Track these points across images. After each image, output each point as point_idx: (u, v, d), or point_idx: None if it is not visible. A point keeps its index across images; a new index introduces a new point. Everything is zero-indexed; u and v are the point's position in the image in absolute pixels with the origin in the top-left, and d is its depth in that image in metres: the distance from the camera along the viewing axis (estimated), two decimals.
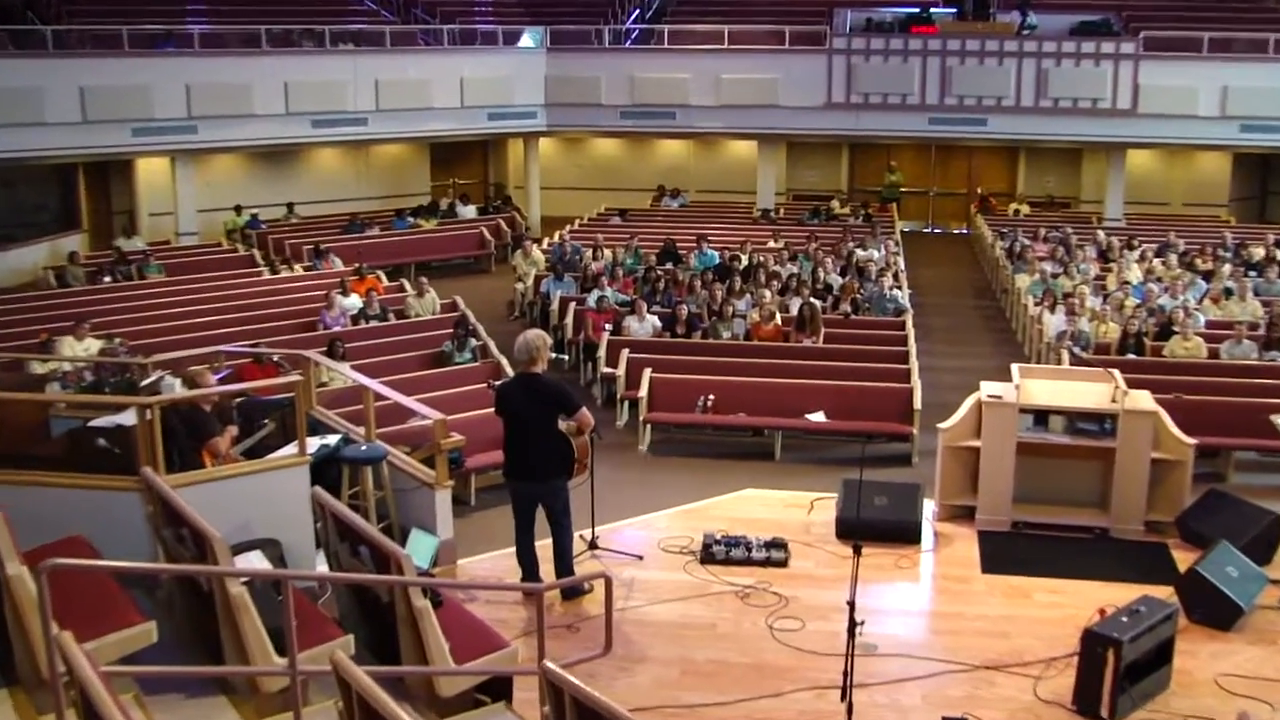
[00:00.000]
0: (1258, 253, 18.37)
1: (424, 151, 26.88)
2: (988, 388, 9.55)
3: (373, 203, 25.38)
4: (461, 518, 10.14)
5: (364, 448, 8.96)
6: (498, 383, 8.38)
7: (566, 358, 14.91)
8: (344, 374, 11.00)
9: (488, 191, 28.10)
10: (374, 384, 9.57)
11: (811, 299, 14.99)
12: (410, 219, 23.44)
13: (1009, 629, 7.92)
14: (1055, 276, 16.93)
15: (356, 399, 10.35)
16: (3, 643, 5.88)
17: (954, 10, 24.19)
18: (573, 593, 8.15)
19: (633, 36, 25.38)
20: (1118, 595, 8.05)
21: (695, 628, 7.89)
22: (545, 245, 20.43)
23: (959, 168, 27.76)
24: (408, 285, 17.46)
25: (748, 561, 8.73)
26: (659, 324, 14.51)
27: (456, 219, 24.15)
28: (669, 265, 17.93)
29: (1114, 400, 9.18)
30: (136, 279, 18.02)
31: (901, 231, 23.52)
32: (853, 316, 15.21)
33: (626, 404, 13.16)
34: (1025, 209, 24.88)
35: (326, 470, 8.82)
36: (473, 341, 13.80)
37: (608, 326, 14.63)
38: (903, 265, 18.73)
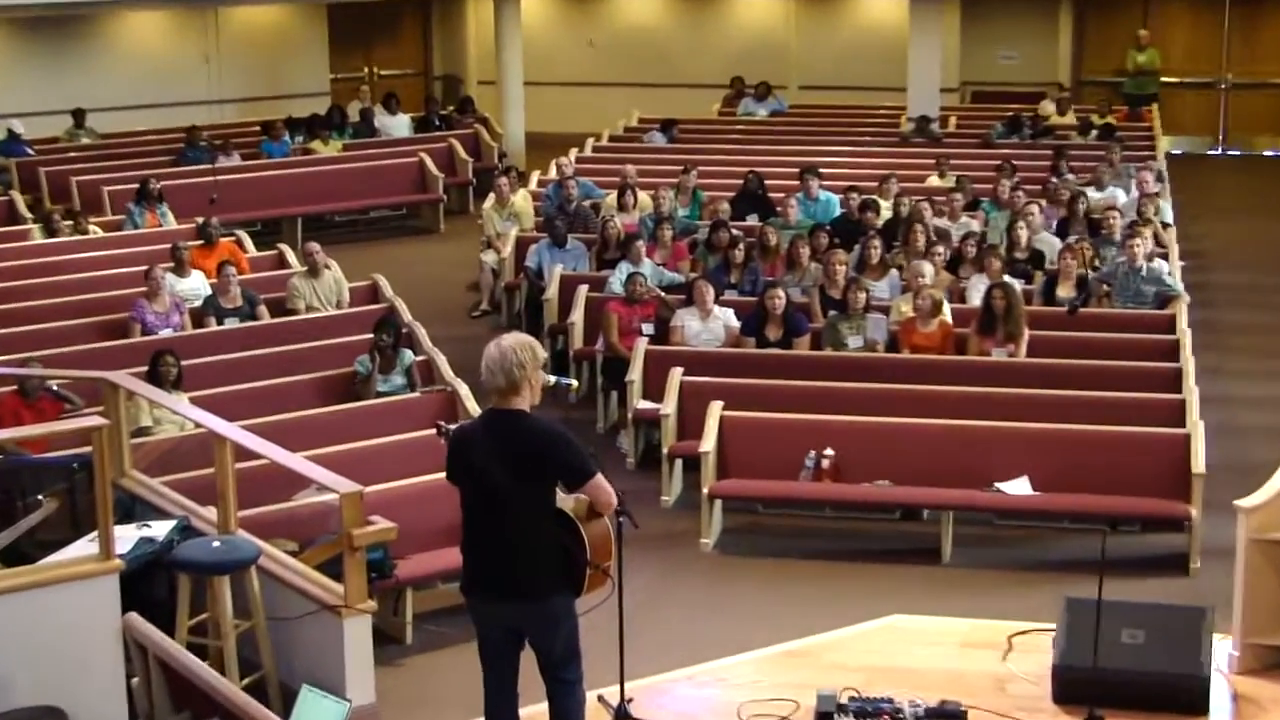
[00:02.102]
0: None
1: (317, 19, 27.11)
2: None
3: (228, 110, 25.63)
4: (391, 666, 10.08)
5: (217, 544, 9.02)
6: (452, 428, 8.42)
7: (574, 384, 14.82)
8: (180, 414, 11.05)
9: (431, 90, 28.28)
10: (234, 431, 9.62)
11: (1007, 278, 14.96)
12: (296, 139, 23.61)
13: None
14: None
15: (204, 457, 10.41)
16: None
17: None
18: None
19: None
20: None
21: None
22: (535, 185, 20.51)
23: (1275, 37, 27.60)
24: (291, 256, 17.54)
25: None
26: (736, 323, 14.54)
27: (377, 139, 24.27)
28: (753, 220, 17.96)
29: None
30: None
31: (1168, 156, 23.48)
32: (1082, 309, 15.18)
33: (680, 466, 13.16)
34: None
35: (151, 584, 8.88)
36: (408, 356, 13.87)
37: (646, 329, 14.64)
38: (1170, 216, 18.69)
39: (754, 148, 22.88)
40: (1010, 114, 24.05)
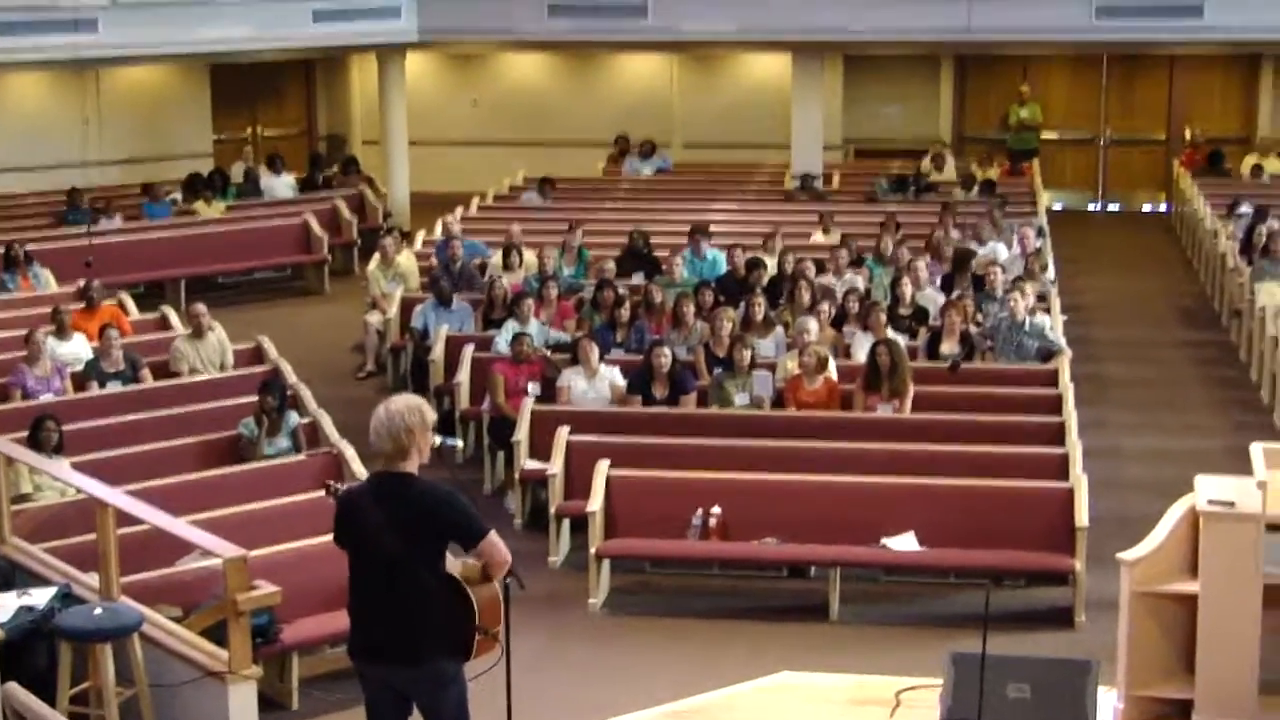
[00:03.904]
0: None
1: (200, 79, 26.99)
2: (1208, 488, 9.62)
3: (110, 171, 25.43)
4: None
5: (99, 611, 8.92)
6: (341, 489, 8.39)
7: (459, 445, 14.92)
8: (60, 479, 10.94)
9: (316, 150, 28.21)
10: (116, 496, 9.54)
11: (892, 334, 15.09)
12: (178, 200, 23.46)
13: None
14: None
15: (86, 523, 10.30)
16: None
17: None
18: None
19: None
20: None
21: None
22: (420, 245, 20.48)
23: (1151, 95, 28.13)
24: (174, 318, 17.41)
25: None
26: (622, 382, 14.58)
27: (261, 200, 24.16)
28: (638, 278, 18.03)
29: None
30: None
31: (1049, 211, 23.79)
32: (966, 365, 15.33)
33: (567, 526, 13.15)
34: (1274, 165, 25.24)
35: (31, 653, 8.76)
36: (293, 418, 13.82)
37: (532, 388, 14.65)
38: (1053, 272, 18.92)
39: (639, 206, 23.00)
40: (894, 171, 24.30)
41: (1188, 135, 27.26)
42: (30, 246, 19.69)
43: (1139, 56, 27.01)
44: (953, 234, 19.40)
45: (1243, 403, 17.04)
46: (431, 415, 7.87)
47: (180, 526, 9.44)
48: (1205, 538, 9.34)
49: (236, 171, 24.99)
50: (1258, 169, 24.96)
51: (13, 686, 8.25)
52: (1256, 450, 9.68)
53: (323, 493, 8.32)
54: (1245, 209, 21.12)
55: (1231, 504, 9.33)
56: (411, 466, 7.79)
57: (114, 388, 15.06)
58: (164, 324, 17.34)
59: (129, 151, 26.00)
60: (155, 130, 26.40)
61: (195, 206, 23.18)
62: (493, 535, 7.83)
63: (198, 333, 15.94)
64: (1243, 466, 9.79)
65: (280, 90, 28.84)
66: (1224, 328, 19.71)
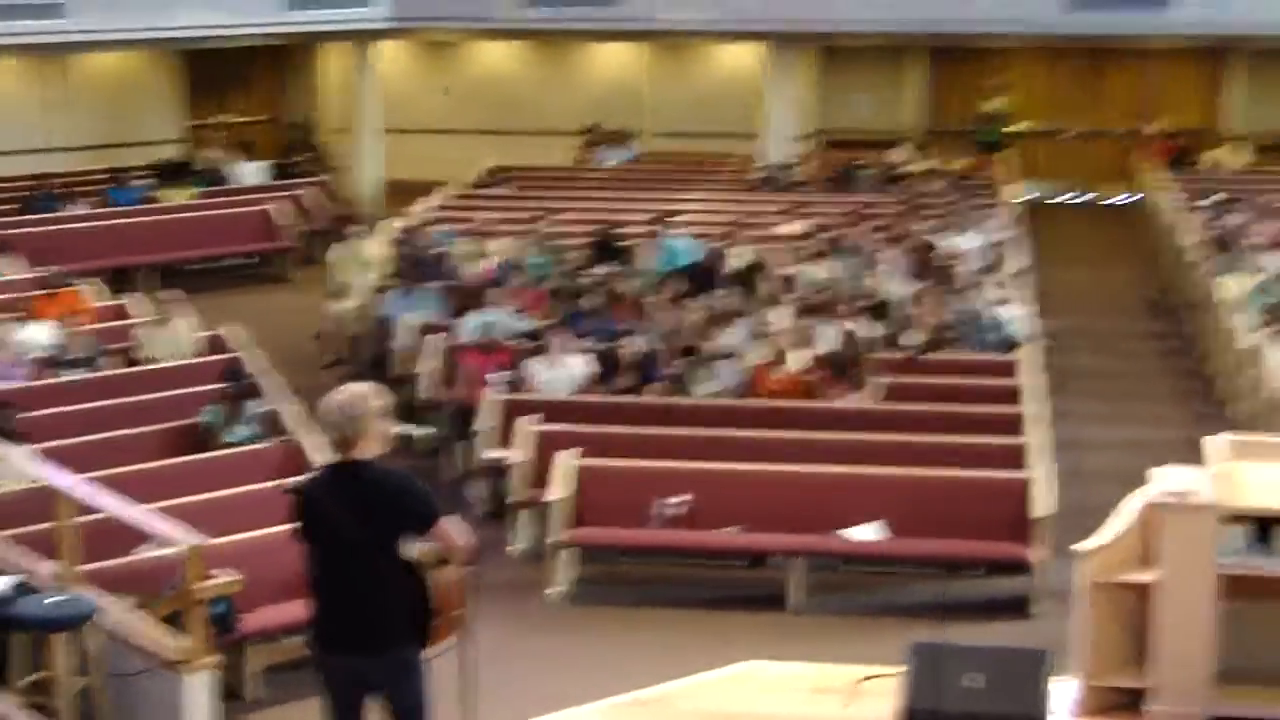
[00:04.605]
0: None
1: (171, 66, 26.92)
2: (1165, 479, 9.65)
3: (76, 158, 25.35)
4: None
5: (54, 600, 8.89)
6: (299, 479, 8.39)
7: (422, 432, 14.91)
8: (19, 467, 10.90)
9: (286, 138, 28.16)
10: (74, 484, 9.50)
11: (856, 325, 15.11)
12: (144, 187, 23.41)
13: None
14: None
15: (42, 511, 10.25)
16: None
17: None
18: None
19: None
20: None
21: None
22: (388, 233, 20.46)
23: (1118, 88, 28.23)
24: (140, 306, 17.38)
25: None
26: (588, 371, 14.59)
27: (230, 187, 24.12)
28: (606, 267, 18.07)
29: None
30: None
31: (1016, 203, 23.84)
32: (930, 355, 15.37)
33: (530, 515, 13.16)
34: (1237, 160, 25.32)
35: None
36: (255, 406, 13.80)
37: (498, 377, 14.66)
38: (1018, 263, 18.96)
39: (608, 195, 22.98)
40: (861, 162, 24.32)
41: (1155, 128, 27.32)
42: None
43: (1107, 50, 27.08)
44: (920, 225, 19.42)
45: (1203, 394, 17.14)
46: (384, 402, 7.85)
47: (139, 514, 9.40)
48: (1161, 528, 9.37)
49: (204, 159, 24.92)
50: (1222, 162, 25.06)
51: None
52: (1212, 442, 9.73)
53: (282, 491, 8.30)
54: (1209, 201, 21.18)
55: (1188, 495, 9.37)
56: (367, 454, 7.77)
57: (75, 375, 15.01)
58: (127, 311, 17.28)
59: (98, 137, 25.92)
60: (125, 116, 26.33)
61: (163, 193, 23.12)
62: (448, 520, 7.84)
63: (162, 321, 15.90)
64: (1199, 459, 9.84)
65: (251, 78, 28.78)
66: (1183, 321, 19.77)
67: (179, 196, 23.10)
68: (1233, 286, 17.33)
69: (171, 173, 23.72)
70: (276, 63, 29.12)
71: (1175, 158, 25.61)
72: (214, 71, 27.49)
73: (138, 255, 21.21)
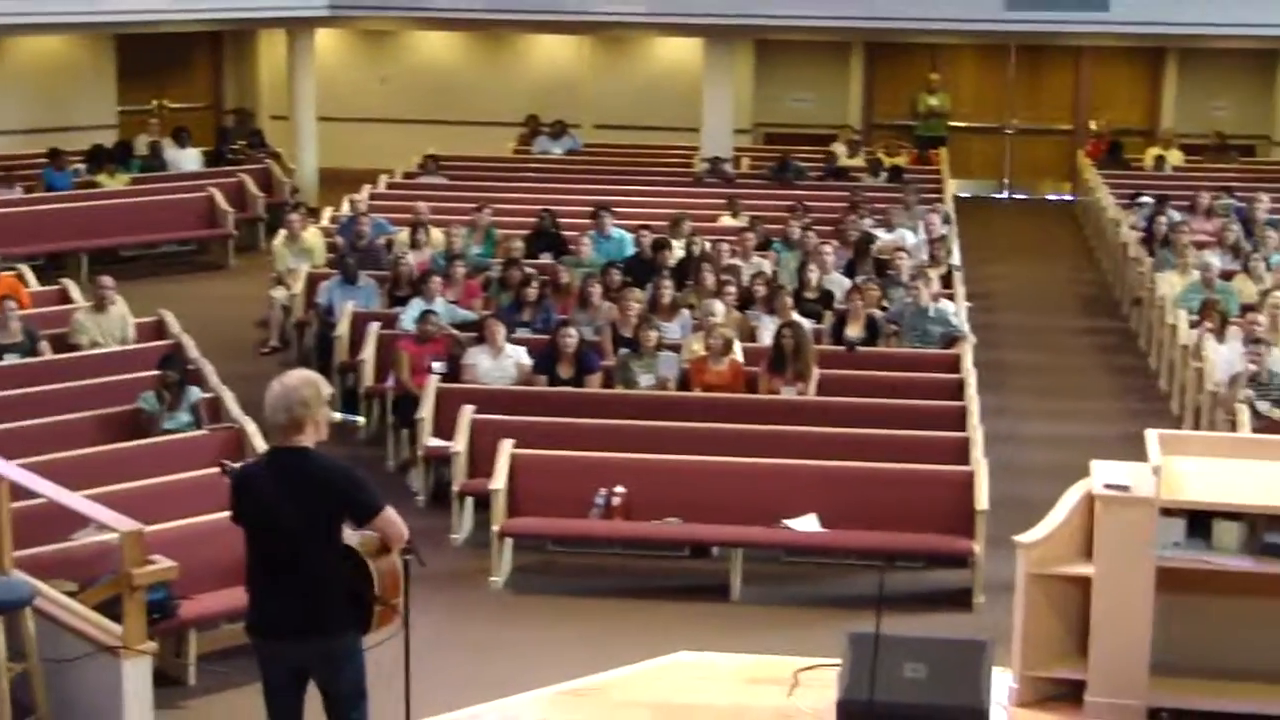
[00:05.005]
0: None
1: (105, 50, 26.72)
2: (1104, 472, 9.71)
3: (10, 142, 25.12)
4: (173, 709, 9.95)
5: None
6: (236, 467, 8.35)
7: (362, 421, 14.86)
8: None
9: (223, 124, 28.00)
10: (9, 469, 9.44)
11: (797, 318, 15.15)
12: (80, 171, 23.24)
13: None
14: (1228, 277, 17.36)
15: None
16: None
17: None
18: None
19: None
20: None
21: None
22: (327, 221, 20.37)
23: (1057, 86, 28.40)
24: (75, 291, 17.25)
25: None
26: (528, 361, 14.57)
27: (166, 173, 23.95)
28: (546, 258, 18.01)
29: None
30: None
31: (956, 198, 23.96)
32: (871, 349, 15.42)
33: (470, 504, 13.14)
34: (1176, 157, 25.52)
35: None
36: (194, 393, 13.72)
37: (437, 366, 14.62)
38: (958, 258, 19.06)
39: (548, 186, 22.94)
40: (800, 156, 24.34)
41: (1093, 126, 27.48)
42: None
43: (1047, 47, 27.24)
44: (860, 219, 19.46)
45: (1141, 390, 17.25)
46: (327, 390, 7.87)
47: (76, 500, 9.36)
48: (1100, 521, 9.45)
49: (141, 144, 24.75)
50: (1160, 160, 25.23)
51: None
52: (1152, 436, 9.80)
53: (219, 471, 8.29)
54: (1147, 199, 21.32)
55: (1127, 488, 9.44)
56: (308, 441, 7.78)
57: (11, 360, 14.88)
58: (64, 296, 17.15)
59: (30, 121, 25.70)
60: (57, 100, 26.10)
61: (98, 179, 22.97)
62: (389, 511, 7.86)
63: (99, 306, 15.80)
64: (1140, 452, 9.90)
65: (187, 63, 28.60)
66: (1124, 316, 19.93)
67: (116, 182, 22.91)
68: (1175, 283, 17.45)
69: (109, 158, 23.50)
70: (216, 49, 28.97)
71: (1109, 156, 25.74)
72: (152, 57, 27.28)
73: (74, 240, 21.02)
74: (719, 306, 15.23)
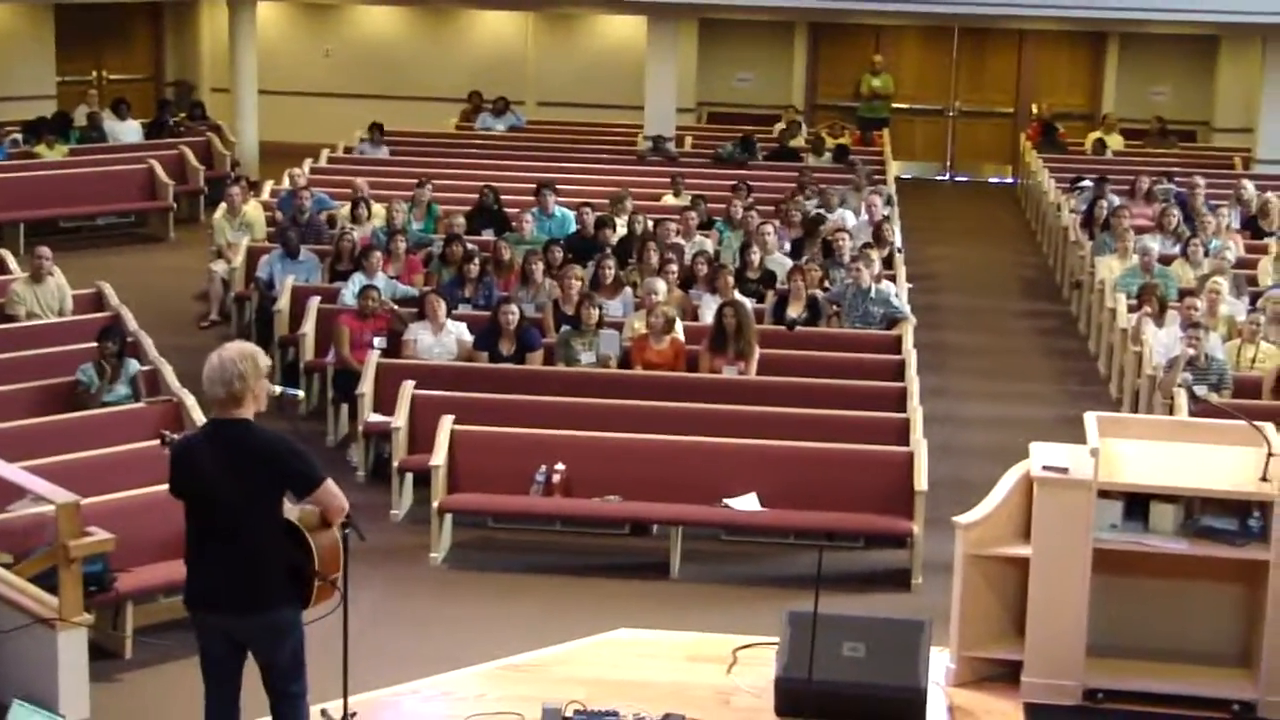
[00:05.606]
0: None
1: (43, 20, 26.52)
2: (1043, 454, 9.77)
3: None
4: (109, 682, 9.92)
5: None
6: (175, 438, 8.31)
7: (300, 395, 14.75)
8: None
9: (163, 95, 27.84)
10: None
11: (739, 297, 15.19)
12: (18, 141, 23.08)
13: None
14: (1167, 262, 17.47)
15: None
16: None
17: None
18: None
19: None
20: None
21: None
22: (268, 195, 20.28)
23: (1000, 69, 28.53)
24: (12, 262, 17.14)
25: None
26: (468, 337, 14.55)
27: (106, 145, 23.80)
28: (488, 234, 17.98)
29: (1267, 478, 9.48)
30: None
31: (899, 180, 24.04)
32: (812, 329, 15.46)
33: (410, 479, 13.13)
34: (1116, 142, 25.68)
35: None
36: (133, 366, 13.65)
37: (378, 341, 14.58)
38: (899, 239, 19.13)
39: (491, 162, 22.90)
40: (745, 134, 24.35)
41: (1035, 109, 27.63)
42: None
43: (989, 30, 27.34)
44: (803, 199, 19.50)
45: (1080, 373, 17.35)
46: (265, 362, 7.85)
47: (12, 471, 9.32)
48: (1038, 503, 9.51)
49: (80, 115, 24.59)
50: (1100, 144, 25.38)
51: None
52: (1090, 419, 9.87)
53: (158, 442, 8.25)
54: (1087, 183, 21.45)
55: (1065, 470, 9.51)
56: (247, 413, 7.77)
57: None
58: (1, 267, 17.04)
59: None
60: None
61: (37, 149, 22.80)
62: (329, 484, 7.86)
63: (36, 277, 15.70)
64: (1078, 435, 9.98)
65: (127, 34, 28.40)
66: (1065, 299, 20.03)
67: (54, 153, 22.76)
68: (1114, 267, 17.56)
69: (47, 128, 23.34)
70: (156, 20, 28.78)
71: (1043, 139, 25.83)
72: (91, 27, 27.10)
73: (11, 211, 20.85)
74: (661, 285, 15.23)
